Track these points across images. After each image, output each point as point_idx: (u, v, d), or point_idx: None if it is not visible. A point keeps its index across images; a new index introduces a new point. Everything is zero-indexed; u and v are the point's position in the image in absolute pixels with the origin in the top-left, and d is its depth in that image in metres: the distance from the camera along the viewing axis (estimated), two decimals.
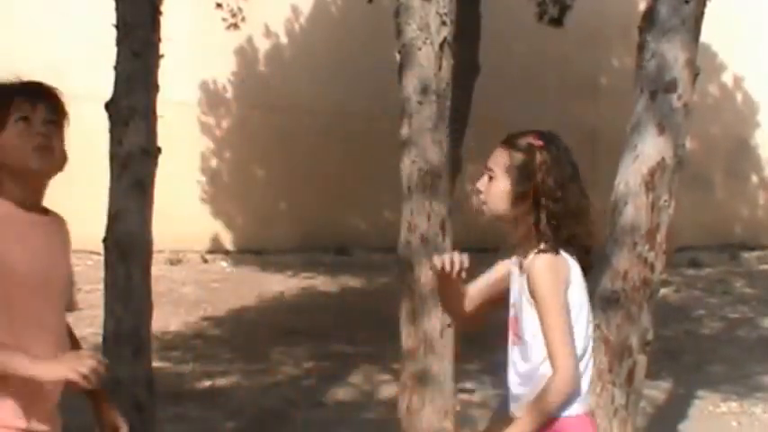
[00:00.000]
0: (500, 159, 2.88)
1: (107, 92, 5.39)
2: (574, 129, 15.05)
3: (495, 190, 2.89)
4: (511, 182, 2.84)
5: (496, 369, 7.78)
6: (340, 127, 13.87)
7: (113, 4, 5.58)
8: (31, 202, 2.60)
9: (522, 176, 2.82)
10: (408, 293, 5.22)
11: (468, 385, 6.96)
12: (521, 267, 2.87)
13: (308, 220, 13.71)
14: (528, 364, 2.82)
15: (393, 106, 5.30)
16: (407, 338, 5.25)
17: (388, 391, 6.71)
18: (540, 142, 2.84)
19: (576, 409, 2.78)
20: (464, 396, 6.55)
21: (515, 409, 2.87)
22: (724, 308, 10.68)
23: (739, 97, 16.26)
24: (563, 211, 2.79)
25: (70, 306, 2.81)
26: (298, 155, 13.70)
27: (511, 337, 2.90)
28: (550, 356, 2.73)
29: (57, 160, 2.60)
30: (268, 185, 13.95)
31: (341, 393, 7.05)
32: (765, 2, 15.31)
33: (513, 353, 2.88)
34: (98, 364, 2.44)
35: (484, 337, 8.62)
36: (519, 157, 2.84)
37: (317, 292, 11.43)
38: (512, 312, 2.92)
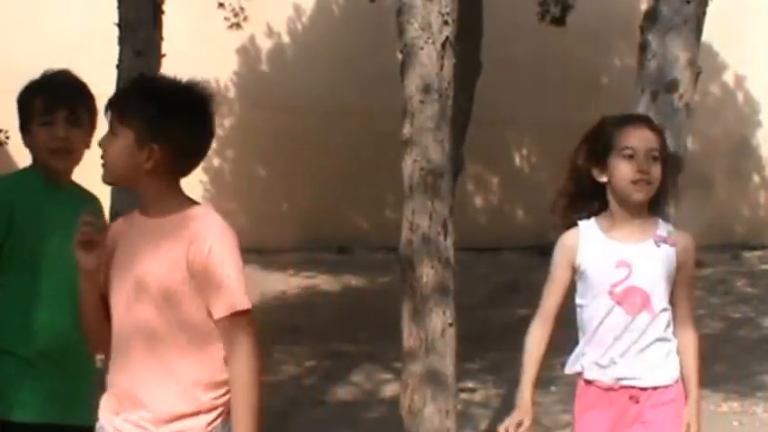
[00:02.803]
0: (656, 138, 3.05)
1: (109, 90, 5.41)
2: (575, 128, 15.07)
3: (659, 172, 3.02)
4: (661, 159, 3.03)
5: (498, 368, 7.80)
6: (342, 126, 13.88)
7: (116, 3, 5.60)
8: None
9: (665, 152, 3.06)
10: (410, 293, 5.22)
11: (470, 384, 6.97)
12: (662, 240, 3.02)
13: (310, 220, 13.72)
14: (653, 333, 3.02)
15: (395, 105, 5.30)
16: (409, 337, 5.26)
17: (389, 390, 6.72)
18: None
19: None
20: (465, 395, 6.56)
21: (629, 373, 3.03)
22: (725, 307, 10.67)
23: (740, 97, 16.25)
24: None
25: None
26: (300, 154, 13.70)
27: (632, 307, 3.02)
28: (690, 322, 3.09)
29: None
30: (270, 184, 13.96)
31: (342, 392, 7.06)
32: (766, 1, 15.31)
33: (637, 321, 3.03)
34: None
35: (485, 337, 8.65)
36: (661, 134, 3.11)
37: (318, 290, 11.43)
38: (630, 282, 3.02)
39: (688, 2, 4.27)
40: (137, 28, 5.43)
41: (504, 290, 11.15)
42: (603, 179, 3.03)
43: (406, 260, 5.20)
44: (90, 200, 3.17)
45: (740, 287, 12.23)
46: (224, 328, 2.48)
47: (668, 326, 3.05)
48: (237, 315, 2.49)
